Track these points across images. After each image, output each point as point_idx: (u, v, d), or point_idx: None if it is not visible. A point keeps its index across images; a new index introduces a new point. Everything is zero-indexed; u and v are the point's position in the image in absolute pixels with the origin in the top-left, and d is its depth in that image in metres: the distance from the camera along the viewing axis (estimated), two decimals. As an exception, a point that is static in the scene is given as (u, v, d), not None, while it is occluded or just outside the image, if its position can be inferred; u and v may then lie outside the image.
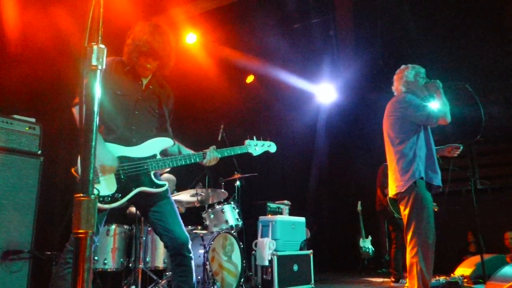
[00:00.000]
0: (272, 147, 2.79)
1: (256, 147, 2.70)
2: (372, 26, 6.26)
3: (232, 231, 4.33)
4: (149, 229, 4.17)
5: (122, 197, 2.15)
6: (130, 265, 3.98)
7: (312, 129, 8.64)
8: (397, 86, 3.40)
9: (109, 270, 3.83)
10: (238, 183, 4.92)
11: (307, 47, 6.79)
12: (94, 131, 1.12)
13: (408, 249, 3.03)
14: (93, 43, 1.18)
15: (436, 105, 3.16)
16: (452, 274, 4.87)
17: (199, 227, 4.52)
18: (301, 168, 8.60)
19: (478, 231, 4.51)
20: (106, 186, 2.13)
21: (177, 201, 4.41)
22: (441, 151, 3.50)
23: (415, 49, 6.58)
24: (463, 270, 4.88)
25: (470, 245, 7.32)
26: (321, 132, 8.64)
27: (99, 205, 2.04)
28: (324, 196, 9.27)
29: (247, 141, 2.68)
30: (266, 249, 4.64)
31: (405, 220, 3.10)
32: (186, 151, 2.55)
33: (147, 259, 4.05)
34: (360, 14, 5.99)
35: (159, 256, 4.10)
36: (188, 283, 2.30)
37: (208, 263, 3.84)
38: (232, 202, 4.57)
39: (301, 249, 5.08)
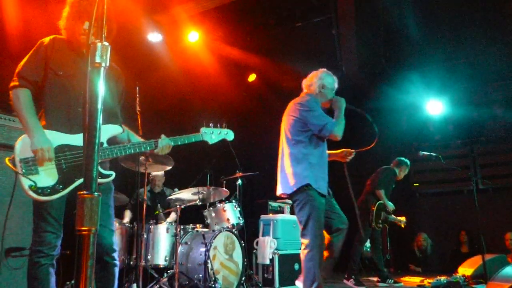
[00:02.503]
0: (229, 135, 2.62)
1: (212, 135, 2.52)
2: (374, 25, 6.24)
3: (234, 230, 4.34)
4: (150, 227, 4.18)
5: (63, 189, 2.00)
6: (131, 262, 3.99)
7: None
8: (310, 84, 3.32)
9: (110, 267, 3.83)
10: (239, 181, 4.93)
11: (309, 45, 6.78)
12: (98, 129, 1.12)
13: (304, 251, 2.96)
14: (97, 41, 1.18)
15: (333, 120, 3.14)
16: (453, 274, 4.87)
17: (201, 225, 4.52)
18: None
19: (479, 231, 4.50)
20: (45, 176, 1.99)
21: (179, 199, 4.42)
22: (334, 155, 3.49)
23: (416, 48, 6.56)
24: (465, 270, 4.88)
25: (463, 246, 7.24)
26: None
27: (36, 197, 1.95)
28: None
29: (202, 129, 2.49)
30: (267, 247, 4.65)
31: (299, 221, 3.06)
32: (136, 139, 2.37)
33: (148, 257, 4.05)
34: (362, 13, 5.98)
35: (160, 254, 4.11)
36: None
37: (209, 261, 3.85)
38: (233, 201, 4.58)
39: (302, 248, 5.08)
